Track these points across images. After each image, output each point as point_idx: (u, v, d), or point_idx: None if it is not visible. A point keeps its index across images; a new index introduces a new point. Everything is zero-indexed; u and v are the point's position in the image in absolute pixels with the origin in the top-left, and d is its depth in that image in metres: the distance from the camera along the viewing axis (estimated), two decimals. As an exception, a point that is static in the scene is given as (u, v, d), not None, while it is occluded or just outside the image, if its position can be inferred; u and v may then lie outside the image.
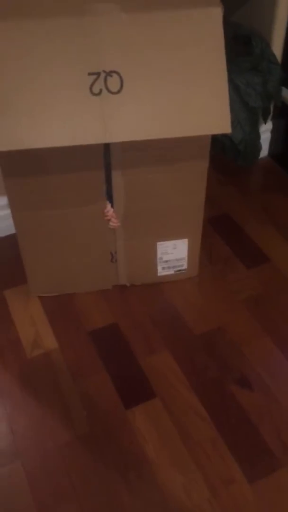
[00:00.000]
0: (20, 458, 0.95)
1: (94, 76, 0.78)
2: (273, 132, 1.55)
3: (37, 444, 0.97)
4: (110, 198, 1.05)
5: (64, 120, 0.79)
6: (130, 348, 1.11)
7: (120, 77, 0.78)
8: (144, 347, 1.11)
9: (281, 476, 0.92)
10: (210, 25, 0.80)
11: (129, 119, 0.81)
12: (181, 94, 0.81)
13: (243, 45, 1.33)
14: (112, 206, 1.06)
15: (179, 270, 1.22)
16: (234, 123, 1.30)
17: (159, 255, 1.17)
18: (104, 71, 0.78)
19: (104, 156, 0.96)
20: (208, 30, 0.80)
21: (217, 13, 0.81)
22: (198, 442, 0.96)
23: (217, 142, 1.27)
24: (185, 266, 1.21)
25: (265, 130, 1.51)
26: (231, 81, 1.28)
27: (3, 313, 1.18)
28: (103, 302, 1.20)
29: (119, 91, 0.79)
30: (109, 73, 0.78)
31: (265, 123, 1.45)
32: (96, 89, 0.78)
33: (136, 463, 0.94)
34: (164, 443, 0.96)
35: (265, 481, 0.91)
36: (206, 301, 1.21)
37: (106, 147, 0.94)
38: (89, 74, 0.78)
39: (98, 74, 0.78)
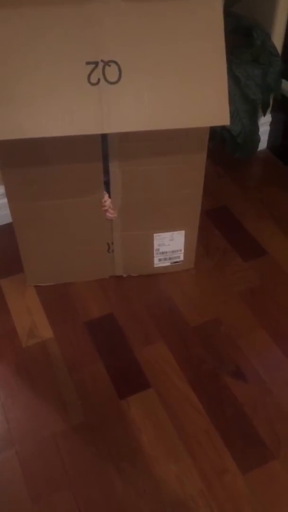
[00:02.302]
0: (14, 447, 0.95)
1: (92, 66, 0.77)
2: (272, 124, 1.54)
3: (32, 433, 0.97)
4: (108, 189, 1.05)
5: (62, 110, 0.78)
6: (125, 338, 1.11)
7: (119, 67, 0.78)
8: (139, 338, 1.11)
9: (274, 467, 0.92)
10: (210, 16, 0.79)
11: (127, 110, 0.80)
12: (179, 85, 0.81)
13: (243, 36, 1.32)
14: (109, 197, 1.05)
15: (176, 262, 1.22)
16: (234, 115, 1.30)
17: (155, 246, 1.17)
18: (103, 61, 0.77)
19: (102, 147, 0.95)
20: (208, 21, 0.79)
21: (217, 3, 0.80)
22: (192, 433, 0.97)
23: (216, 134, 1.27)
24: (181, 258, 1.21)
25: (264, 123, 1.51)
26: (231, 72, 1.27)
27: (-1, 302, 1.18)
28: (100, 293, 1.20)
29: (117, 81, 0.78)
30: (107, 63, 0.77)
31: (264, 115, 1.44)
32: (94, 78, 0.77)
33: (130, 452, 0.94)
34: (158, 434, 0.97)
35: (258, 472, 0.92)
36: (202, 293, 1.21)
37: (104, 137, 0.94)
38: (87, 63, 0.77)
39: (96, 63, 0.77)
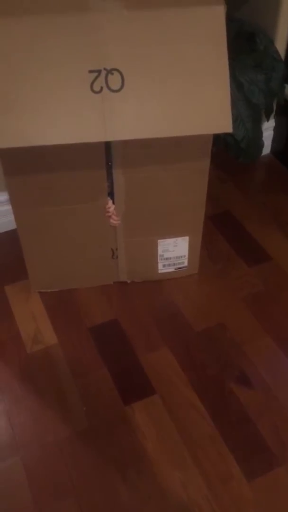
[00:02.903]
0: (19, 453, 0.95)
1: (95, 74, 0.77)
2: (276, 129, 1.54)
3: (36, 438, 0.97)
4: (111, 195, 1.05)
5: (65, 118, 0.79)
6: (130, 344, 1.11)
7: (121, 75, 0.78)
8: (144, 344, 1.11)
9: (279, 473, 0.92)
10: (213, 23, 0.79)
11: (129, 118, 0.81)
12: (182, 93, 0.81)
13: (246, 41, 1.32)
14: (113, 203, 1.06)
15: (180, 268, 1.22)
16: (237, 120, 1.30)
17: (160, 252, 1.17)
18: (105, 69, 0.78)
19: (106, 153, 0.96)
20: (211, 28, 0.80)
21: (220, 11, 0.80)
22: (197, 439, 0.97)
23: (220, 139, 1.27)
24: (185, 264, 1.21)
25: (268, 128, 1.51)
26: (234, 78, 1.28)
27: (3, 308, 1.18)
28: (104, 298, 1.20)
29: (120, 89, 0.78)
30: (110, 71, 0.78)
31: (268, 120, 1.44)
32: (97, 86, 0.77)
33: (134, 459, 0.94)
34: (162, 440, 0.97)
35: (263, 478, 0.91)
36: (206, 298, 1.21)
37: (107, 145, 0.94)
38: (90, 71, 0.77)
39: (99, 71, 0.77)
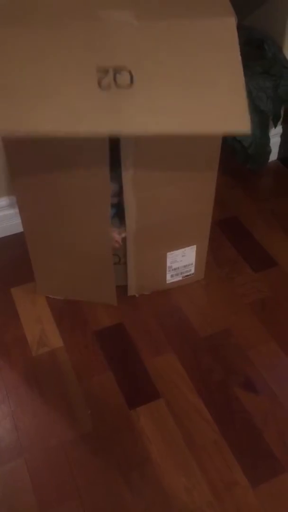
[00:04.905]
0: (23, 455, 0.95)
1: (103, 73, 0.75)
2: (283, 136, 1.54)
3: (41, 441, 0.97)
4: (119, 215, 1.05)
5: (70, 110, 0.75)
6: (135, 348, 1.11)
7: (131, 74, 0.76)
8: (149, 348, 1.11)
9: (285, 480, 0.91)
10: (225, 32, 0.79)
11: (139, 112, 0.75)
12: (195, 91, 0.77)
13: (255, 49, 1.33)
14: (123, 222, 1.06)
15: (187, 275, 1.22)
16: (245, 126, 1.30)
17: (168, 264, 1.17)
18: (114, 69, 0.76)
19: (115, 170, 0.96)
20: (223, 36, 0.79)
21: (231, 22, 0.80)
22: (202, 445, 0.96)
23: (227, 145, 1.28)
24: (192, 271, 1.21)
25: (275, 134, 1.51)
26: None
27: (9, 310, 1.19)
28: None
29: (129, 87, 0.75)
30: (118, 71, 0.75)
31: (275, 127, 1.45)
32: (105, 84, 0.75)
33: (139, 463, 0.94)
34: (167, 445, 0.96)
35: (268, 485, 0.91)
36: (212, 304, 1.21)
37: (117, 158, 0.94)
38: (98, 71, 0.75)
39: (107, 71, 0.75)
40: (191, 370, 1.07)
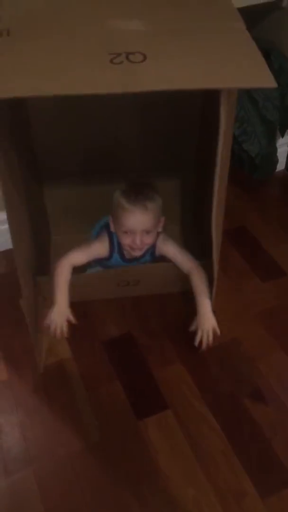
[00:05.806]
0: (32, 465, 0.95)
1: (114, 55, 0.75)
2: (291, 146, 1.55)
3: (49, 452, 0.97)
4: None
5: (83, 75, 0.75)
6: (143, 358, 1.11)
7: (143, 55, 0.75)
8: (157, 358, 1.11)
9: (294, 492, 0.91)
10: (235, 32, 0.81)
11: (154, 73, 0.74)
12: (214, 58, 0.73)
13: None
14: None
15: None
16: (251, 136, 1.31)
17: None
18: (126, 52, 0.75)
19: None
20: (234, 32, 0.81)
21: (241, 25, 0.82)
22: (210, 455, 0.96)
23: (234, 155, 1.28)
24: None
25: (282, 144, 1.51)
26: (249, 94, 1.29)
27: (18, 321, 1.19)
28: (118, 312, 1.21)
29: (141, 62, 0.74)
30: (131, 52, 0.75)
31: (282, 136, 1.45)
32: (117, 61, 0.74)
33: (146, 474, 0.94)
34: (175, 455, 0.96)
35: (278, 496, 0.90)
36: (220, 313, 1.20)
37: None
38: (110, 53, 0.75)
39: (119, 54, 0.75)
40: (199, 380, 1.07)
